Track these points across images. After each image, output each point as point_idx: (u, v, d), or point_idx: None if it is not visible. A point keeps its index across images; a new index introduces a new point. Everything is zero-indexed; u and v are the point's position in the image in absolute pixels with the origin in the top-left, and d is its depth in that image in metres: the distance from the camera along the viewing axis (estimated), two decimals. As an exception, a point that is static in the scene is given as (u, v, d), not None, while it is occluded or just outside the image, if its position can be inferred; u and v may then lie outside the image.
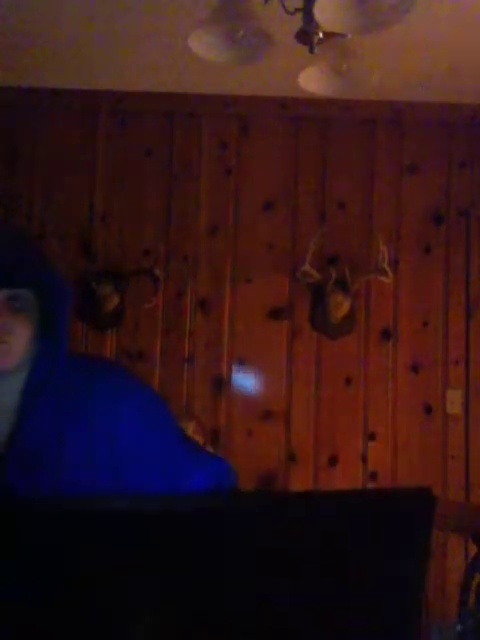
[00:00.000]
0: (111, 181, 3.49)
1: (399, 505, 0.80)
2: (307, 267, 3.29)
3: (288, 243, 3.45)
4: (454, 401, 3.37)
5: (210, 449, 3.11)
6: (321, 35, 1.95)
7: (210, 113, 3.50)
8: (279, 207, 3.48)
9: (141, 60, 3.13)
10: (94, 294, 3.31)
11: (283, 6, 1.99)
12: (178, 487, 1.26)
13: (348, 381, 3.40)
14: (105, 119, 3.51)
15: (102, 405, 1.24)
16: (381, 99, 3.40)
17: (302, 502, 0.80)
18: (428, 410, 3.38)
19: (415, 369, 3.40)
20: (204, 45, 1.97)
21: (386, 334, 3.42)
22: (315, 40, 1.96)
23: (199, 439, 3.04)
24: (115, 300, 3.34)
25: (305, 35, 1.98)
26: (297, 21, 1.98)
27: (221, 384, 3.39)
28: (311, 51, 1.98)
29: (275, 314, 3.42)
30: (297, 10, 1.99)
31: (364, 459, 3.36)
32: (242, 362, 3.41)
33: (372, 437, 3.37)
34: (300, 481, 3.33)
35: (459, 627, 1.66)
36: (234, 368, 3.41)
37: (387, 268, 3.27)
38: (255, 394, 3.41)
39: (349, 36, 1.97)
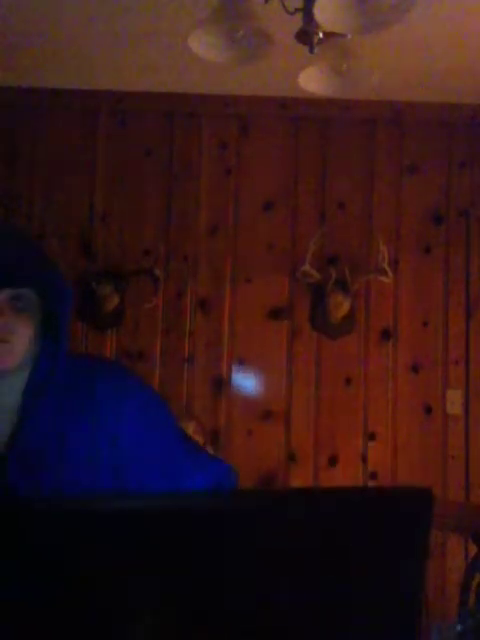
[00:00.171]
0: (111, 181, 3.49)
1: (398, 504, 0.81)
2: (307, 267, 3.29)
3: (288, 243, 3.45)
4: (454, 401, 3.37)
5: (210, 449, 3.11)
6: (321, 35, 1.95)
7: (210, 113, 3.50)
8: (279, 207, 3.48)
9: (141, 60, 3.13)
10: (94, 294, 3.31)
11: (283, 6, 1.99)
12: (179, 487, 1.26)
13: (348, 381, 3.40)
14: (105, 119, 3.51)
15: (103, 405, 1.24)
16: (381, 99, 3.40)
17: (301, 500, 0.80)
18: (428, 410, 3.38)
19: (415, 369, 3.40)
20: (204, 45, 1.97)
21: (386, 334, 3.42)
22: (315, 40, 1.96)
23: (199, 439, 3.04)
24: (115, 300, 3.35)
25: (305, 35, 1.98)
26: (297, 21, 1.98)
27: (221, 384, 3.40)
28: (311, 51, 1.98)
29: (275, 314, 3.42)
30: (297, 10, 1.99)
31: (364, 459, 3.36)
32: (242, 362, 3.41)
33: (372, 437, 3.37)
34: (300, 481, 3.33)
35: (459, 627, 1.66)
36: (234, 368, 3.41)
37: (387, 268, 3.27)
38: (255, 394, 3.41)
39: (349, 36, 1.97)
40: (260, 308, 3.42)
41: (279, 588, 0.76)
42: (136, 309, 3.39)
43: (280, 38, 1.96)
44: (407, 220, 3.47)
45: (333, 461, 3.36)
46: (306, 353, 3.41)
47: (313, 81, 2.14)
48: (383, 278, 3.30)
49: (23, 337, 1.20)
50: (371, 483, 3.34)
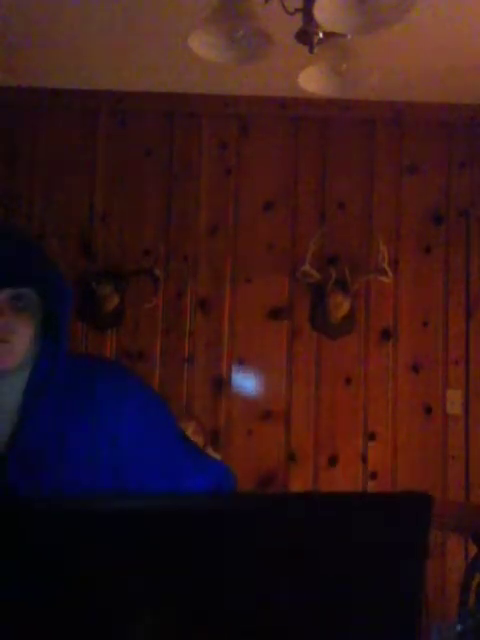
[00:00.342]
0: (111, 181, 3.49)
1: (398, 508, 0.81)
2: (307, 267, 3.29)
3: (288, 243, 3.45)
4: (454, 401, 3.37)
5: (210, 449, 3.11)
6: (321, 35, 1.95)
7: (210, 113, 3.50)
8: (279, 207, 3.48)
9: (141, 60, 3.13)
10: (94, 294, 3.31)
11: (283, 6, 1.99)
12: (178, 487, 1.26)
13: (348, 381, 3.40)
14: (105, 119, 3.51)
15: (104, 405, 1.24)
16: (381, 99, 3.40)
17: (301, 505, 0.80)
18: (428, 410, 3.38)
19: (415, 369, 3.40)
20: (204, 45, 1.96)
21: (386, 334, 3.42)
22: (315, 40, 1.96)
23: (199, 439, 3.04)
24: (115, 300, 3.34)
25: (305, 35, 1.98)
26: (297, 21, 1.98)
27: (221, 384, 3.40)
28: (311, 51, 1.98)
29: (275, 314, 3.42)
30: (297, 10, 1.99)
31: (364, 459, 3.36)
32: (242, 362, 3.41)
33: (372, 437, 3.37)
34: (300, 481, 3.33)
35: (459, 627, 1.66)
36: (234, 368, 3.41)
37: (387, 268, 3.27)
38: (255, 394, 3.41)
39: (349, 36, 1.97)
40: (260, 308, 3.42)
41: (279, 588, 0.76)
42: (136, 309, 3.39)
43: (280, 38, 1.96)
44: (407, 220, 3.47)
45: (333, 461, 3.36)
46: (306, 353, 3.41)
47: (313, 81, 2.14)
48: (383, 278, 3.30)
49: (23, 337, 1.20)
50: (371, 483, 3.34)
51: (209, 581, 0.74)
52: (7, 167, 3.46)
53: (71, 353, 1.28)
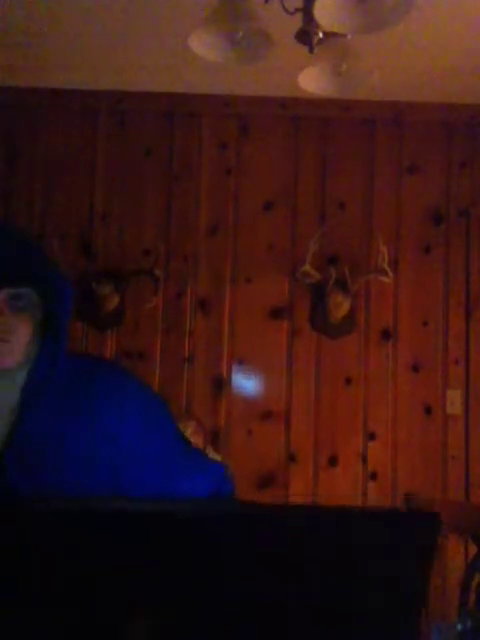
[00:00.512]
0: (111, 181, 3.49)
1: (404, 526, 0.80)
2: (307, 267, 3.29)
3: (288, 243, 3.45)
4: (454, 401, 3.37)
5: (211, 449, 3.11)
6: (321, 35, 1.95)
7: (210, 113, 3.50)
8: (279, 207, 3.48)
9: (141, 60, 3.13)
10: (94, 294, 3.31)
11: (283, 6, 1.99)
12: (178, 488, 1.26)
13: (348, 381, 3.40)
14: (105, 119, 3.51)
15: (103, 405, 1.24)
16: (381, 99, 3.40)
17: (302, 516, 0.80)
18: (428, 410, 3.38)
19: (415, 369, 3.40)
20: (204, 45, 1.97)
21: (386, 334, 3.42)
22: (315, 40, 1.96)
23: (199, 439, 3.04)
24: (115, 300, 3.34)
25: (305, 35, 1.98)
26: (297, 21, 1.98)
27: (221, 384, 3.40)
28: (311, 51, 1.98)
29: (275, 314, 3.42)
30: (297, 10, 1.99)
31: (364, 459, 3.36)
32: (242, 362, 3.41)
33: (372, 437, 3.37)
34: (300, 481, 3.33)
35: (459, 627, 1.66)
36: (234, 368, 3.41)
37: (387, 268, 3.27)
38: (255, 394, 3.41)
39: (349, 36, 1.97)
40: (260, 308, 3.42)
41: (279, 591, 0.76)
42: (136, 309, 3.39)
43: (280, 38, 1.96)
44: (407, 220, 3.47)
45: (333, 461, 3.36)
46: (306, 353, 3.41)
47: (313, 81, 2.14)
48: (383, 278, 3.30)
49: (23, 336, 1.20)
50: (371, 483, 3.34)
51: (209, 583, 0.74)
52: (7, 167, 3.46)
53: (70, 353, 1.28)
